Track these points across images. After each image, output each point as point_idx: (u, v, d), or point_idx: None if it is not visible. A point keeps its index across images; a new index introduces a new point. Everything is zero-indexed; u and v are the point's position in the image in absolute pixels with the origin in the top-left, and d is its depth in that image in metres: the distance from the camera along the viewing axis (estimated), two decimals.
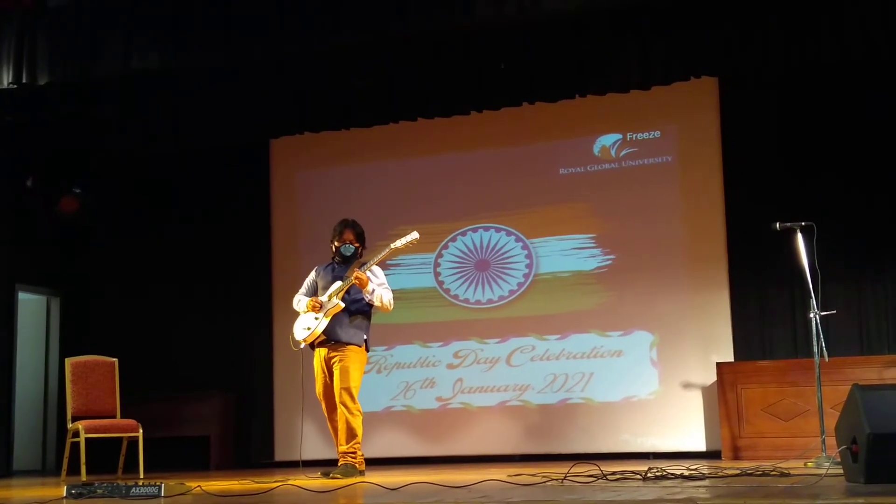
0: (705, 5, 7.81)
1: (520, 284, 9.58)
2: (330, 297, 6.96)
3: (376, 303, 7.00)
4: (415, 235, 6.95)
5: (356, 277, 6.83)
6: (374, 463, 7.87)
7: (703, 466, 6.33)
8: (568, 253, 9.45)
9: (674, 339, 9.02)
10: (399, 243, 6.95)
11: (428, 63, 8.60)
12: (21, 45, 8.08)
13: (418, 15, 7.41)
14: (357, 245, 7.15)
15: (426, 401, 9.68)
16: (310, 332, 6.96)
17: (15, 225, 10.07)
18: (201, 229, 10.49)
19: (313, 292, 7.20)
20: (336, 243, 7.16)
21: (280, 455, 9.94)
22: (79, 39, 7.97)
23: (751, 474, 5.39)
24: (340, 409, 6.88)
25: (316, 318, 6.95)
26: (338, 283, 6.98)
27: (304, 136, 9.71)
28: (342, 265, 7.13)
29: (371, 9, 7.50)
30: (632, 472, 5.60)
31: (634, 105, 9.14)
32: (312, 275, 7.30)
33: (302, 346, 7.09)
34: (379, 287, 7.03)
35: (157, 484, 4.99)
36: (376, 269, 7.06)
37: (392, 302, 7.10)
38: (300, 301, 7.20)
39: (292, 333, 7.12)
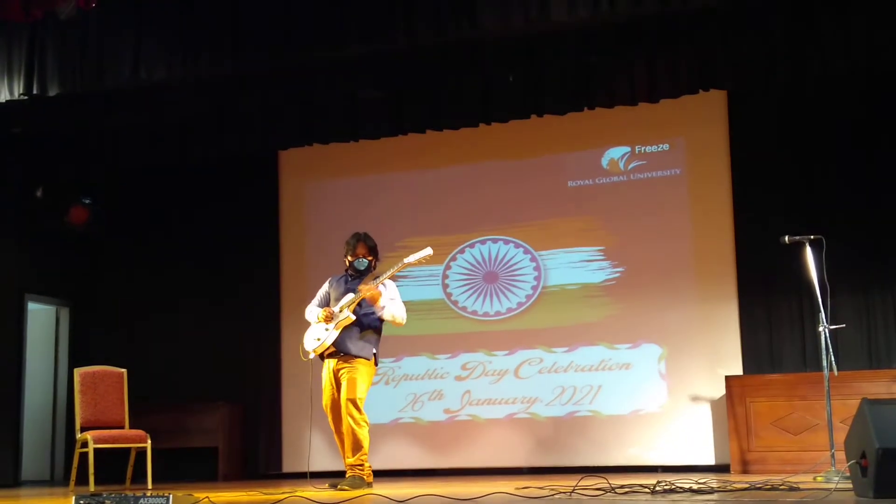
0: (713, 18, 7.81)
1: (528, 297, 9.57)
2: (341, 309, 6.96)
3: (387, 318, 7.00)
4: (428, 251, 6.94)
5: (368, 292, 6.83)
6: (381, 475, 7.86)
7: (711, 480, 6.31)
8: (576, 265, 9.45)
9: (682, 351, 8.99)
10: (412, 258, 6.93)
11: (436, 75, 8.61)
12: (31, 57, 8.11)
13: (426, 27, 7.42)
14: (370, 258, 7.16)
15: (434, 413, 9.67)
16: (320, 343, 6.97)
17: (24, 235, 10.11)
18: (210, 240, 10.50)
19: (326, 304, 7.21)
20: (349, 258, 7.17)
21: (288, 466, 9.93)
22: (88, 51, 8.01)
23: (760, 488, 5.37)
24: (347, 420, 6.88)
25: (326, 330, 6.96)
26: (350, 296, 6.99)
27: (313, 147, 9.74)
28: (355, 278, 7.14)
29: (379, 21, 7.52)
30: (640, 485, 5.58)
31: (643, 118, 9.14)
32: (325, 286, 7.31)
33: (311, 356, 7.09)
34: (390, 302, 7.02)
35: (165, 495, 4.97)
36: (388, 282, 7.05)
37: (405, 317, 7.10)
38: (312, 312, 7.21)
39: (302, 343, 7.14)
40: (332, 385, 7.03)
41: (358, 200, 10.11)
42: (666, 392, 9.00)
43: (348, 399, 6.87)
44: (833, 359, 6.47)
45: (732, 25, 7.83)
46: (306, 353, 7.11)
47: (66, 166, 10.01)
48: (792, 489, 5.29)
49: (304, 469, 8.81)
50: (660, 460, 8.84)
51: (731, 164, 9.04)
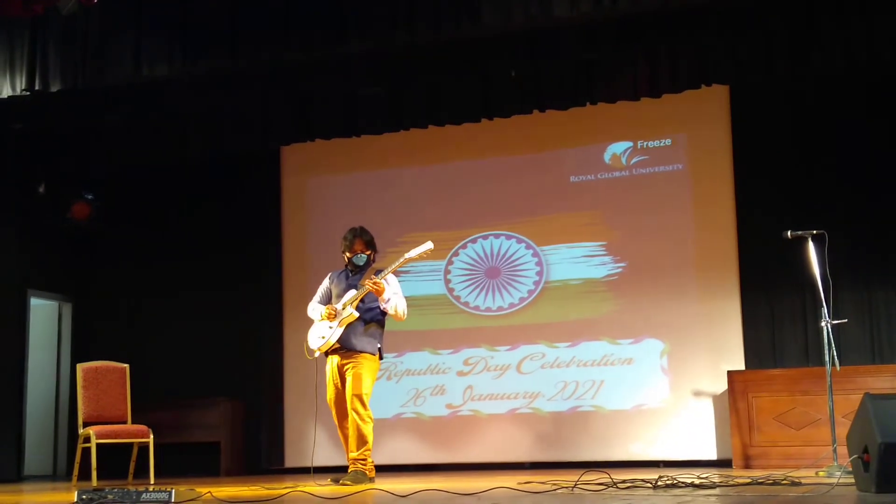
0: (715, 14, 7.81)
1: (530, 292, 9.57)
2: (344, 306, 6.96)
3: (391, 311, 7.00)
4: (429, 245, 6.93)
5: (374, 284, 6.83)
6: (383, 470, 7.87)
7: (713, 475, 6.31)
8: (578, 260, 9.44)
9: (684, 346, 8.99)
10: (413, 253, 6.92)
11: (438, 70, 8.61)
12: (33, 53, 8.13)
13: (427, 23, 7.42)
14: (368, 252, 7.15)
15: (436, 408, 9.67)
16: (324, 340, 6.97)
17: (27, 231, 10.12)
18: (212, 235, 10.51)
19: (327, 299, 7.20)
20: (347, 254, 7.16)
21: (290, 461, 9.94)
22: (89, 47, 8.02)
23: (762, 483, 5.37)
24: (352, 415, 6.88)
25: (330, 328, 6.96)
26: (352, 292, 6.98)
27: (315, 143, 9.75)
28: (356, 273, 7.14)
29: (380, 17, 7.52)
30: (642, 480, 5.58)
31: (645, 113, 9.13)
32: (326, 282, 7.31)
33: (317, 354, 7.09)
34: (393, 296, 7.03)
35: (168, 490, 4.99)
36: (390, 277, 7.04)
37: (406, 311, 7.10)
38: (315, 309, 7.21)
39: (307, 342, 7.13)
40: (336, 380, 7.04)
41: (360, 196, 10.11)
42: (668, 387, 9.00)
43: (354, 395, 6.87)
44: (835, 354, 6.47)
45: (734, 21, 7.82)
46: (311, 352, 7.11)
47: (68, 162, 10.01)
48: (794, 484, 5.28)
49: (306, 464, 8.83)
50: (662, 455, 8.84)
51: (734, 159, 9.04)
